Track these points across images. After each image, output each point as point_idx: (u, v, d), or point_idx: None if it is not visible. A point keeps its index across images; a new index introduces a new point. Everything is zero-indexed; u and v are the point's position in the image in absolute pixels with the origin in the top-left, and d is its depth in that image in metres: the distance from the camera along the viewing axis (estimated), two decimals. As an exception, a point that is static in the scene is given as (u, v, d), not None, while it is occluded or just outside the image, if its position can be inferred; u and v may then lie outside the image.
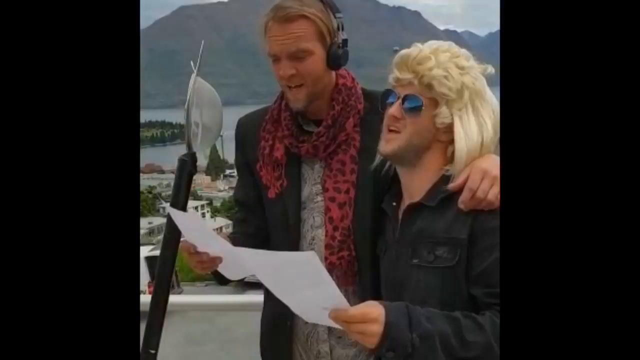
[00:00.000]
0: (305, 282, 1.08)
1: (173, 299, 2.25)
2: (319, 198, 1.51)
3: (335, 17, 1.43)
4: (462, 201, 1.22)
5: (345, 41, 1.44)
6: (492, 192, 1.20)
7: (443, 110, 1.26)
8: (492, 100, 1.30)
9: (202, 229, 1.34)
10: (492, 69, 1.31)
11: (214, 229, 1.43)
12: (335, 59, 1.43)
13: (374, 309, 1.10)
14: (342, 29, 1.44)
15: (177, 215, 1.40)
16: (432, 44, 1.29)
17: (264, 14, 1.41)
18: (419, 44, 1.29)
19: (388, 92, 1.33)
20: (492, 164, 1.24)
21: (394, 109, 1.29)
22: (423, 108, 1.26)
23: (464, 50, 1.30)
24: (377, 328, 1.08)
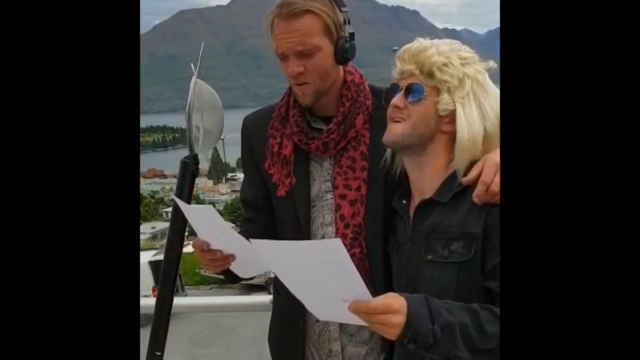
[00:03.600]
0: (328, 271, 1.07)
1: (178, 301, 2.25)
2: (329, 196, 1.50)
3: (341, 10, 1.41)
4: (477, 195, 1.23)
5: (352, 35, 1.43)
6: None
7: (445, 97, 1.27)
8: (495, 93, 1.31)
9: (219, 224, 1.32)
10: (494, 64, 1.31)
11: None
12: (343, 53, 1.41)
13: (395, 300, 1.10)
14: (349, 23, 1.43)
15: (191, 211, 1.39)
16: (435, 40, 1.31)
17: (269, 12, 1.40)
18: (420, 39, 1.31)
19: (392, 87, 1.34)
20: None
21: (396, 99, 1.30)
22: (425, 94, 1.27)
23: (465, 47, 1.32)
24: (400, 319, 1.08)
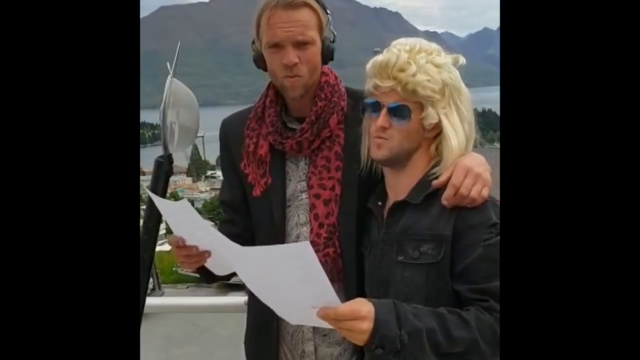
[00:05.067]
0: (297, 276, 1.07)
1: (155, 301, 2.23)
2: (304, 195, 1.51)
3: (326, 13, 1.45)
4: (446, 198, 1.24)
5: (334, 36, 1.46)
6: (475, 189, 1.23)
7: (430, 111, 1.27)
8: (466, 91, 1.32)
9: (194, 218, 1.30)
10: (463, 60, 1.33)
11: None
12: (328, 52, 1.45)
13: (363, 306, 1.11)
14: (331, 25, 1.46)
15: (166, 205, 1.37)
16: (403, 44, 1.30)
17: (264, 3, 1.41)
18: (393, 49, 1.30)
19: (372, 104, 1.32)
20: (475, 161, 1.27)
21: (381, 120, 1.29)
22: (412, 114, 1.27)
23: (434, 45, 1.31)
24: (367, 325, 1.09)
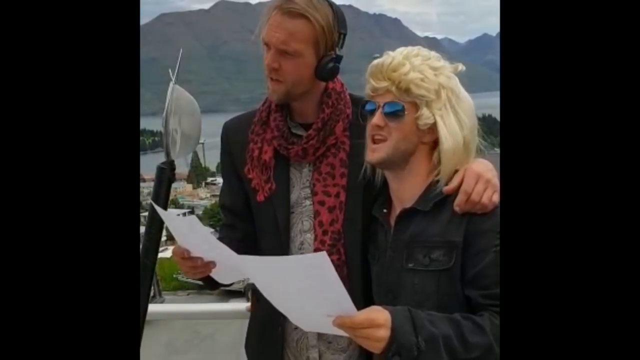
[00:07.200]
0: (314, 285, 1.08)
1: (156, 308, 2.23)
2: (308, 202, 1.50)
3: (339, 32, 1.44)
4: (458, 204, 1.25)
5: (339, 57, 1.44)
6: (486, 195, 1.23)
7: (424, 111, 1.28)
8: (467, 98, 1.32)
9: (200, 232, 1.29)
10: (462, 67, 1.34)
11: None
12: (322, 71, 1.43)
13: (380, 314, 1.11)
14: (341, 47, 1.45)
15: (172, 219, 1.38)
16: (402, 50, 1.31)
17: (273, 2, 1.42)
18: (389, 52, 1.32)
19: (368, 104, 1.34)
20: (485, 167, 1.28)
21: (376, 118, 1.30)
22: (405, 113, 1.28)
23: (433, 53, 1.33)
24: (384, 333, 1.09)
